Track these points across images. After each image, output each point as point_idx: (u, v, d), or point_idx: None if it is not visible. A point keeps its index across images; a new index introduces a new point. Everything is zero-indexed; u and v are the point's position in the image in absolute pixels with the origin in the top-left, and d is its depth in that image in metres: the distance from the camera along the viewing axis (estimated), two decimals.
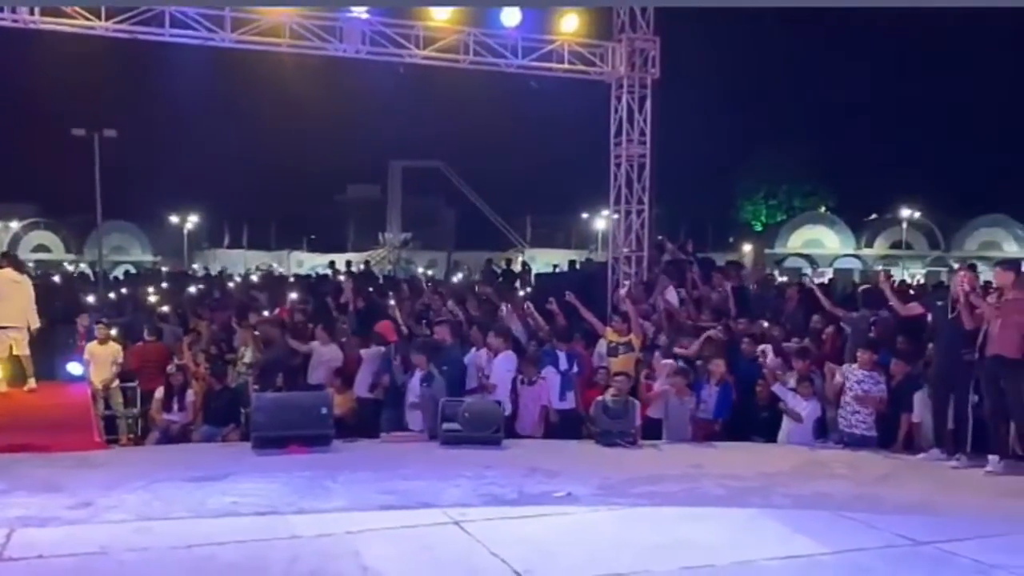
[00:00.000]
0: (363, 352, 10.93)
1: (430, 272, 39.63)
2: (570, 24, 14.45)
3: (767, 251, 51.71)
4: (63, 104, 27.75)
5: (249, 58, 12.94)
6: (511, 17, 13.77)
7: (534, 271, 25.86)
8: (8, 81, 31.44)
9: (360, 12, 11.98)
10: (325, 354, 11.17)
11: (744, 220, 61.18)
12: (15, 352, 11.14)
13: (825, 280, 25.94)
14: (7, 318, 11.05)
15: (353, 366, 11.00)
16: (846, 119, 54.29)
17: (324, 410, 9.01)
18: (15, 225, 53.23)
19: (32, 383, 11.15)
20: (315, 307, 14.21)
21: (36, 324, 11.34)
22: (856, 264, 51.85)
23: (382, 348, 10.88)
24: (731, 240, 53.86)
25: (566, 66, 14.59)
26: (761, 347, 10.74)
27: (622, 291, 13.06)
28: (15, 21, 10.62)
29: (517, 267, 26.48)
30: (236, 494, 7.15)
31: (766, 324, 11.72)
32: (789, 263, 49.55)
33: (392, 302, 12.94)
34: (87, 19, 10.65)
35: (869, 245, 54.44)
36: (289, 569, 5.44)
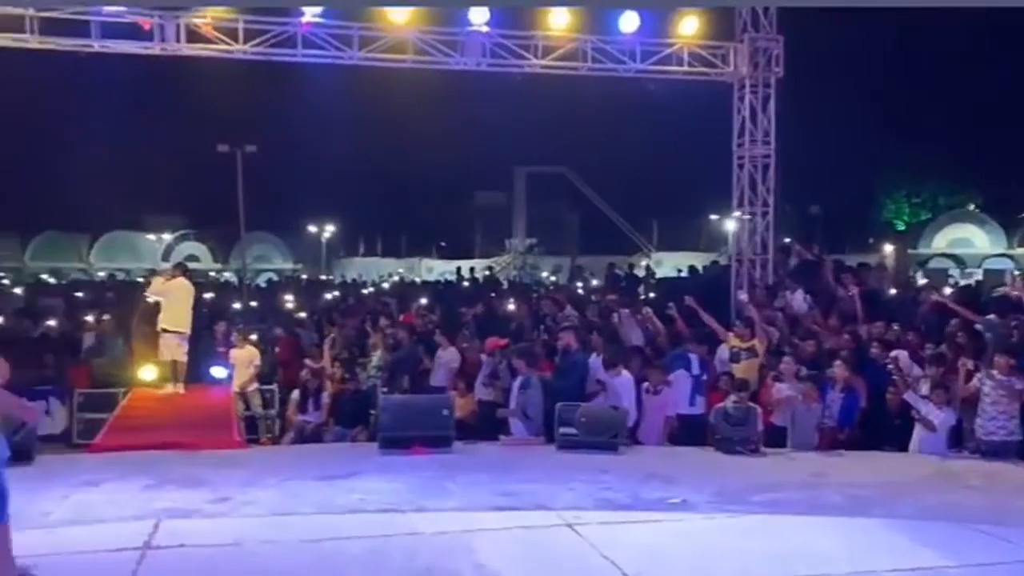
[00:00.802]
0: (483, 356, 11.18)
1: (553, 277, 39.82)
2: (690, 26, 14.32)
3: (910, 251, 49.20)
4: (209, 123, 29.54)
5: (378, 74, 13.46)
6: (629, 22, 13.78)
7: (659, 275, 25.63)
8: (160, 104, 33.69)
9: (480, 25, 12.28)
10: (444, 357, 11.49)
11: (885, 219, 58.39)
12: (173, 357, 11.99)
13: (972, 282, 24.54)
14: (176, 323, 11.93)
15: (474, 369, 11.27)
16: (995, 112, 51.09)
17: (445, 412, 9.29)
18: (168, 236, 56.86)
19: (180, 387, 11.95)
20: (441, 312, 14.60)
21: (188, 330, 12.21)
22: (1008, 264, 48.65)
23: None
24: (871, 241, 51.51)
25: (686, 68, 14.47)
26: (893, 353, 10.32)
27: (745, 295, 12.82)
28: (163, 49, 11.48)
29: (641, 271, 26.29)
30: (362, 492, 7.49)
31: (898, 328, 11.24)
32: (934, 264, 46.99)
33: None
34: (226, 44, 11.38)
35: (1023, 244, 51.01)
36: (407, 565, 5.68)
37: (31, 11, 10.68)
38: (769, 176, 14.92)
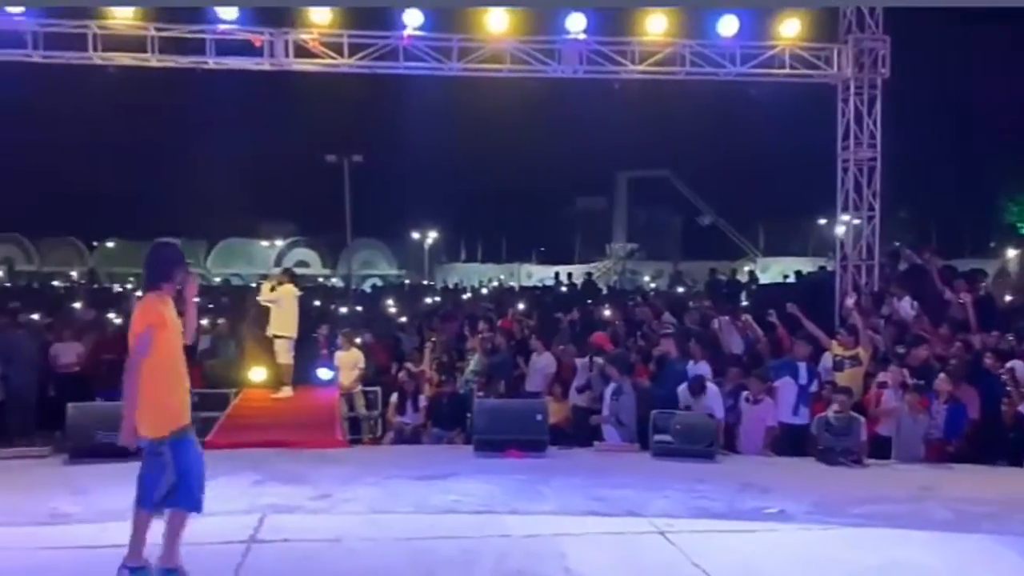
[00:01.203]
0: (577, 361, 11.22)
1: (653, 284, 39.44)
2: (791, 28, 14.01)
3: None
4: (318, 135, 30.56)
5: (478, 83, 13.68)
6: (728, 26, 13.58)
7: (763, 281, 25.09)
8: (272, 117, 35.03)
9: (577, 33, 12.36)
10: (540, 362, 11.58)
11: (1008, 222, 55.45)
12: (282, 360, 12.48)
13: None
14: (285, 328, 12.41)
15: (569, 375, 11.32)
16: None
17: (540, 417, 9.38)
18: (280, 243, 59.01)
19: (288, 390, 12.40)
20: (538, 318, 14.70)
21: (295, 335, 12.64)
22: None
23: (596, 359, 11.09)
24: (992, 245, 49.02)
25: (787, 71, 14.15)
26: (1009, 364, 9.85)
27: (849, 302, 12.45)
28: (273, 64, 12.00)
29: (744, 277, 25.80)
30: (457, 493, 7.65)
31: (1013, 338, 10.70)
32: None
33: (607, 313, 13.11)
34: (332, 57, 11.81)
35: None
36: (497, 566, 5.79)
37: (152, 31, 11.35)
38: (875, 180, 14.45)
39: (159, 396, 5.19)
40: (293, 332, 12.57)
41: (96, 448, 8.65)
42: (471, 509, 7.17)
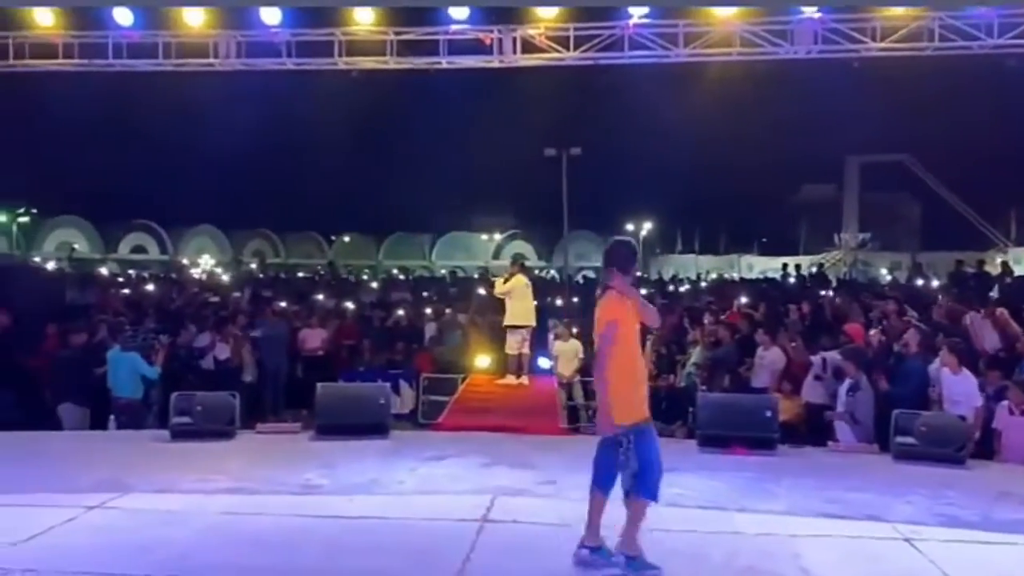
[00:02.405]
0: (813, 357, 10.67)
1: (889, 276, 36.88)
2: None
3: None
4: (537, 128, 31.14)
5: (698, 70, 13.36)
6: None
7: (1017, 273, 22.75)
8: (492, 113, 36.07)
9: (811, 12, 11.72)
10: (767, 357, 11.13)
11: None
12: (518, 350, 12.70)
13: None
14: (520, 318, 12.68)
15: (800, 370, 10.81)
16: None
17: (769, 413, 9.02)
18: (498, 236, 60.89)
19: (524, 379, 12.64)
20: (766, 311, 14.13)
21: (534, 324, 12.81)
22: None
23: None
24: None
25: None
26: None
27: None
28: (501, 61, 12.32)
29: (995, 269, 23.51)
30: (681, 487, 7.50)
31: None
32: None
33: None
34: (558, 51, 11.96)
35: None
36: (729, 562, 5.64)
37: (391, 35, 12.02)
38: None
39: (623, 388, 5.37)
40: (527, 321, 12.64)
41: (340, 426, 9.33)
42: (696, 504, 7.03)
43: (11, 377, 11.52)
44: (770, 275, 30.37)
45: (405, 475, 7.83)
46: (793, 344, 11.29)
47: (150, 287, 23.06)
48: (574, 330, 13.51)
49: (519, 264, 13.12)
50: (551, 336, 13.68)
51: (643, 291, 24.28)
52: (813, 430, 10.02)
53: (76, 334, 11.57)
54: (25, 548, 5.66)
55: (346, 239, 63.77)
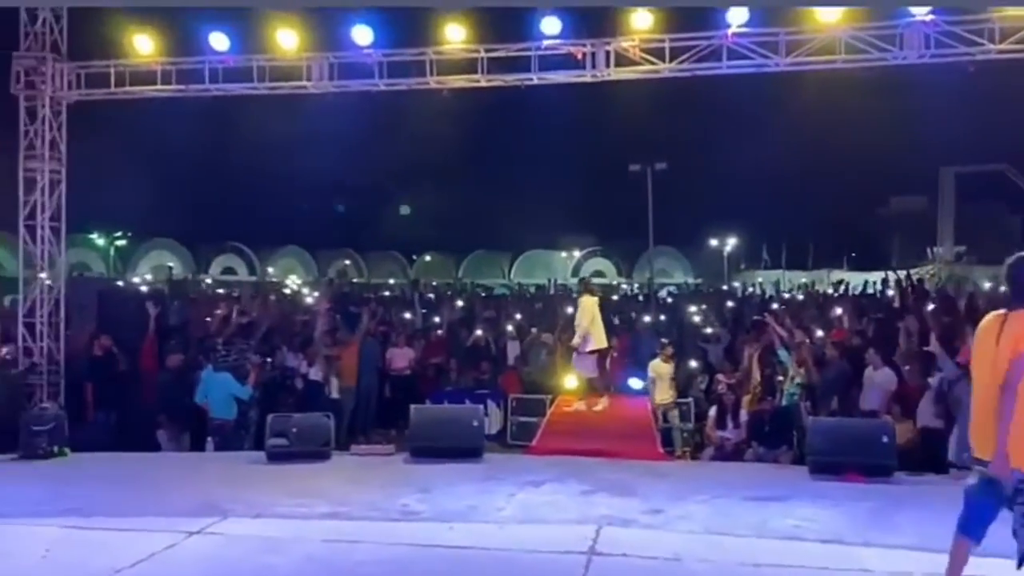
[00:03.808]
0: (931, 379, 10.05)
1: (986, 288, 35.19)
2: None
3: None
4: (621, 143, 30.85)
5: (792, 79, 12.85)
6: None
7: None
8: (576, 129, 35.93)
9: (922, 14, 11.11)
10: (877, 378, 10.55)
11: None
12: (590, 374, 12.37)
13: None
14: (601, 341, 12.32)
15: (914, 392, 10.21)
16: None
17: (886, 439, 8.51)
18: (577, 254, 60.57)
19: (605, 401, 12.29)
20: (876, 328, 13.44)
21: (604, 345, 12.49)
22: None
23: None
24: None
25: None
26: None
27: None
28: (594, 76, 11.95)
29: None
30: (797, 518, 7.10)
31: None
32: None
33: None
34: (652, 64, 11.64)
35: None
36: None
37: (482, 52, 11.90)
38: None
39: None
40: (594, 343, 12.18)
41: (434, 448, 9.17)
42: (817, 537, 6.60)
43: (113, 399, 11.75)
44: (857, 290, 29.24)
45: (503, 502, 7.60)
46: (907, 367, 10.65)
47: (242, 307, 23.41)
48: (670, 351, 13.10)
49: (584, 283, 12.82)
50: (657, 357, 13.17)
51: (729, 304, 23.79)
52: (929, 456, 9.43)
53: (172, 355, 11.75)
54: (131, 574, 5.61)
55: (427, 258, 64.28)
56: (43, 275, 13.15)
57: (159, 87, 12.87)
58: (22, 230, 13.08)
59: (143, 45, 12.80)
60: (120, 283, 30.67)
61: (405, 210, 54.89)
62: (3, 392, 10.98)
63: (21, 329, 12.95)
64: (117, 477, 8.60)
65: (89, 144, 14.45)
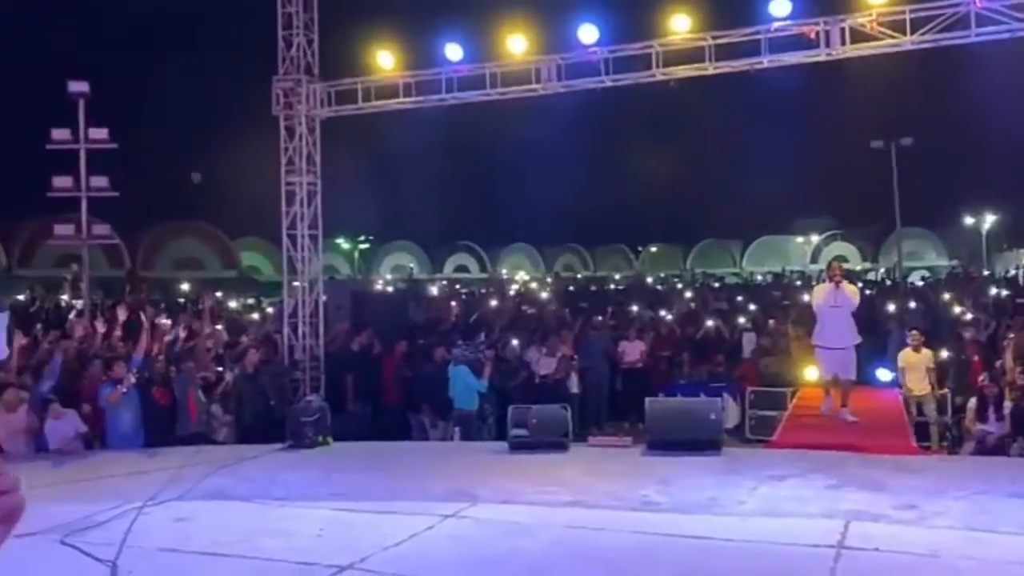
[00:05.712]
0: None
1: None
2: None
3: None
4: (860, 121, 29.04)
5: None
6: None
7: None
8: (812, 108, 34.24)
9: None
10: None
11: None
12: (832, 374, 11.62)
13: None
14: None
15: None
16: None
17: None
18: (815, 238, 57.69)
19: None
20: None
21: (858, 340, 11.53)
22: None
23: None
24: None
25: None
26: None
27: None
28: (828, 55, 11.38)
29: None
30: None
31: None
32: None
33: None
34: (892, 37, 10.90)
35: None
36: None
37: (708, 40, 11.74)
38: None
39: None
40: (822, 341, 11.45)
41: (671, 441, 9.20)
42: None
43: (369, 391, 12.76)
44: None
45: (745, 495, 7.49)
46: None
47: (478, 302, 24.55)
48: (923, 339, 12.27)
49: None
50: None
51: (993, 291, 21.80)
52: None
53: (437, 348, 12.57)
54: (396, 552, 6.13)
55: (653, 249, 63.89)
56: (302, 279, 14.23)
57: (401, 100, 13.72)
58: (285, 239, 14.05)
59: (385, 61, 13.72)
60: (378, 285, 33.00)
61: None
62: (273, 387, 12.06)
63: (286, 329, 13.96)
64: (376, 464, 9.30)
65: (335, 156, 15.58)
